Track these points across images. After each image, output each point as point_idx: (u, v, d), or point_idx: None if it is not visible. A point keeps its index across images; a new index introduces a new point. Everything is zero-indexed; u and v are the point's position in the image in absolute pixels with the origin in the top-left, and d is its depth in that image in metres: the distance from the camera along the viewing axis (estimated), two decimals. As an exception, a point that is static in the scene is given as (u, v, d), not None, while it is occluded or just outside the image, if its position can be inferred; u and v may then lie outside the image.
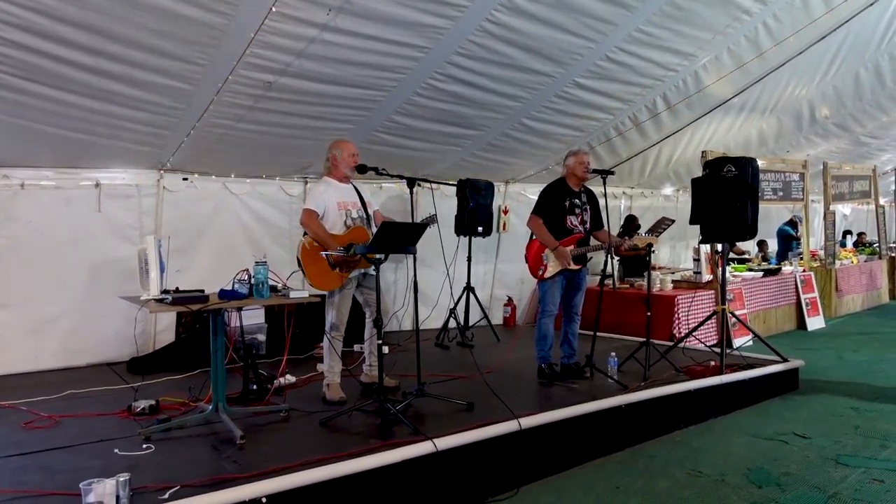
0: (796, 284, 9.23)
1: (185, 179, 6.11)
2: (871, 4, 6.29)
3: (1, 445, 3.62)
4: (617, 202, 9.91)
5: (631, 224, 9.12)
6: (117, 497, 2.72)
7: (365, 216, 4.62)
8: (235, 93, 4.72)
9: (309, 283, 4.36)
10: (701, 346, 6.34)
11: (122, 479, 2.75)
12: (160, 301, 3.59)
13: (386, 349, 4.11)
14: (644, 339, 5.45)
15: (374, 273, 4.60)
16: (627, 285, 8.10)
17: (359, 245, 4.24)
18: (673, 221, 5.82)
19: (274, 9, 3.87)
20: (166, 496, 2.86)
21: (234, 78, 4.47)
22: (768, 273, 9.00)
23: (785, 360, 5.84)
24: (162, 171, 5.94)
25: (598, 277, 5.32)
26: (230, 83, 4.53)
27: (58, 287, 5.54)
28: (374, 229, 4.54)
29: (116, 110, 4.67)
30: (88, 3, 3.61)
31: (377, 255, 4.07)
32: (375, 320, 4.12)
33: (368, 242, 4.11)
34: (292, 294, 3.94)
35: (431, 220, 4.50)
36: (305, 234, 4.44)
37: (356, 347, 5.77)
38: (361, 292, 4.70)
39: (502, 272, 8.41)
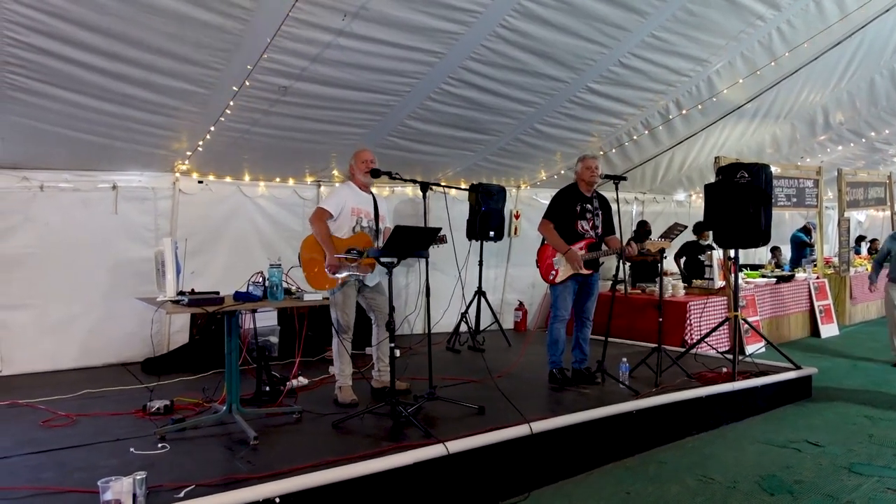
0: (810, 291, 9.16)
1: (200, 182, 6.19)
2: (887, 10, 6.26)
3: (20, 443, 3.68)
4: (629, 207, 9.89)
5: (642, 229, 9.10)
6: (134, 495, 2.75)
7: (374, 227, 4.65)
8: (251, 97, 4.77)
9: (305, 280, 4.36)
10: (713, 352, 6.32)
11: (138, 477, 2.79)
12: (176, 302, 3.63)
13: (398, 352, 4.13)
14: (656, 345, 5.44)
15: (369, 284, 4.63)
16: (639, 291, 8.08)
17: (372, 248, 4.28)
18: (685, 227, 5.81)
19: (290, 14, 3.92)
20: (181, 495, 2.90)
21: (250, 82, 4.53)
22: (781, 280, 8.94)
23: (798, 368, 5.80)
24: (177, 174, 6.01)
25: (610, 283, 5.32)
26: (246, 87, 4.59)
27: (75, 288, 5.62)
28: (381, 244, 4.56)
29: (134, 114, 4.74)
30: (107, 7, 3.67)
31: (389, 259, 4.09)
32: (388, 324, 4.14)
33: (382, 246, 4.13)
34: (306, 297, 3.97)
35: (440, 241, 4.46)
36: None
37: (367, 350, 5.80)
38: (364, 297, 4.72)
39: (513, 276, 8.42)
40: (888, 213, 12.14)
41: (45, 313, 5.53)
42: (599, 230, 5.14)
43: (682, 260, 9.09)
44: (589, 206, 5.12)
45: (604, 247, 5.14)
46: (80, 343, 5.69)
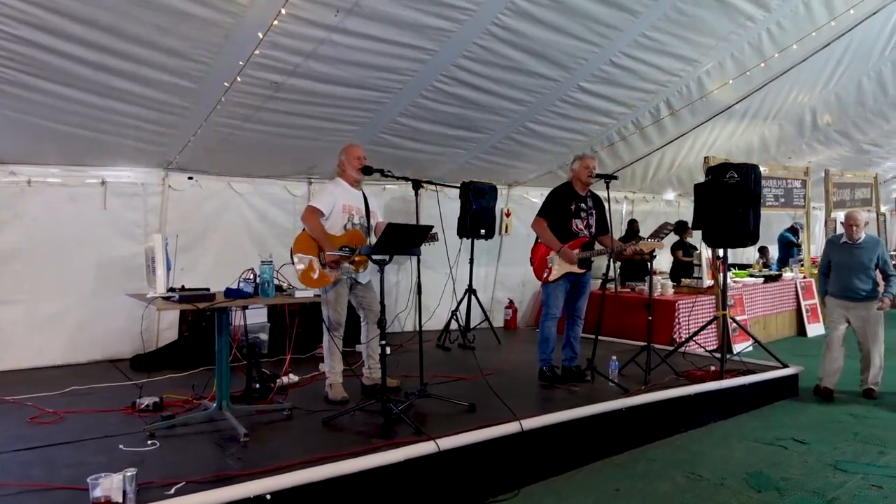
0: (797, 291, 9.25)
1: (190, 178, 6.15)
2: (875, 13, 6.32)
3: (7, 440, 3.65)
4: (619, 207, 9.94)
5: (631, 228, 9.17)
6: (124, 492, 2.74)
7: (366, 224, 4.64)
8: (243, 93, 4.75)
9: (297, 278, 4.34)
10: (701, 350, 6.37)
11: (128, 474, 2.77)
12: (167, 299, 3.61)
13: (388, 350, 4.13)
14: (645, 344, 5.47)
15: (363, 282, 4.63)
16: (628, 290, 8.12)
17: (363, 246, 4.27)
18: (673, 226, 5.85)
19: (283, 10, 3.90)
20: (172, 492, 2.89)
21: (241, 78, 4.51)
22: (769, 279, 9.03)
23: (785, 366, 5.86)
24: (167, 170, 5.98)
25: (600, 281, 5.35)
26: (238, 83, 4.56)
27: (63, 284, 5.57)
28: (373, 239, 4.55)
29: (123, 108, 4.71)
30: (97, 0, 3.64)
31: (381, 257, 4.09)
32: (379, 321, 4.14)
33: (374, 243, 4.13)
34: (297, 293, 3.96)
35: (432, 239, 4.47)
36: (304, 230, 4.47)
37: (358, 347, 5.79)
38: (355, 294, 4.71)
39: (504, 275, 8.44)
40: (874, 213, 12.28)
41: (33, 309, 5.49)
42: (593, 229, 5.17)
43: (673, 259, 9.20)
44: (583, 204, 5.14)
45: (597, 246, 5.17)
46: (68, 339, 5.65)
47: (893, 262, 5.94)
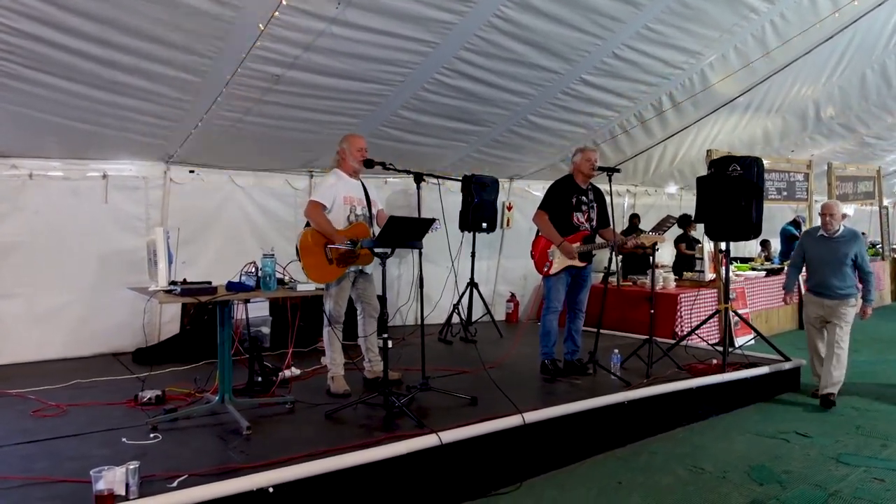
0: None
1: (191, 172, 6.14)
2: (879, 5, 6.28)
3: (10, 433, 3.66)
4: (620, 200, 9.92)
5: (633, 222, 9.16)
6: (127, 485, 2.74)
7: (368, 214, 4.63)
8: (243, 85, 4.73)
9: (304, 273, 4.33)
10: (703, 344, 6.37)
11: (131, 466, 2.78)
12: (169, 292, 3.61)
13: (390, 343, 4.12)
14: (647, 337, 5.47)
15: (368, 273, 4.63)
16: (630, 283, 8.12)
17: (365, 239, 4.26)
18: (676, 220, 5.83)
19: (284, 1, 3.88)
20: (174, 485, 2.90)
21: (242, 70, 4.49)
22: (771, 272, 9.01)
23: (787, 360, 5.86)
24: (169, 164, 5.97)
25: (602, 275, 5.34)
26: (238, 76, 4.54)
27: (64, 277, 5.57)
28: (377, 229, 4.55)
29: (125, 101, 4.69)
30: (98, -6, 3.63)
31: (383, 250, 4.08)
32: (380, 315, 4.13)
33: (375, 236, 4.12)
34: (299, 287, 3.96)
35: (435, 226, 4.46)
36: (308, 224, 4.46)
37: (359, 341, 5.79)
38: (355, 287, 4.72)
39: (505, 268, 8.44)
40: (876, 207, 12.25)
41: (35, 303, 5.49)
42: (594, 222, 5.16)
43: (676, 251, 9.21)
44: (584, 197, 5.13)
45: (598, 239, 5.16)
46: (70, 333, 5.65)
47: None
